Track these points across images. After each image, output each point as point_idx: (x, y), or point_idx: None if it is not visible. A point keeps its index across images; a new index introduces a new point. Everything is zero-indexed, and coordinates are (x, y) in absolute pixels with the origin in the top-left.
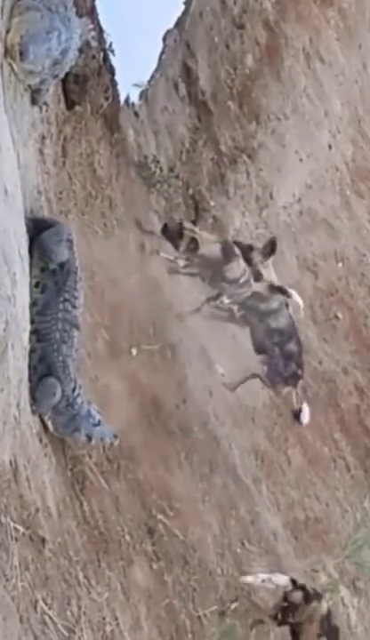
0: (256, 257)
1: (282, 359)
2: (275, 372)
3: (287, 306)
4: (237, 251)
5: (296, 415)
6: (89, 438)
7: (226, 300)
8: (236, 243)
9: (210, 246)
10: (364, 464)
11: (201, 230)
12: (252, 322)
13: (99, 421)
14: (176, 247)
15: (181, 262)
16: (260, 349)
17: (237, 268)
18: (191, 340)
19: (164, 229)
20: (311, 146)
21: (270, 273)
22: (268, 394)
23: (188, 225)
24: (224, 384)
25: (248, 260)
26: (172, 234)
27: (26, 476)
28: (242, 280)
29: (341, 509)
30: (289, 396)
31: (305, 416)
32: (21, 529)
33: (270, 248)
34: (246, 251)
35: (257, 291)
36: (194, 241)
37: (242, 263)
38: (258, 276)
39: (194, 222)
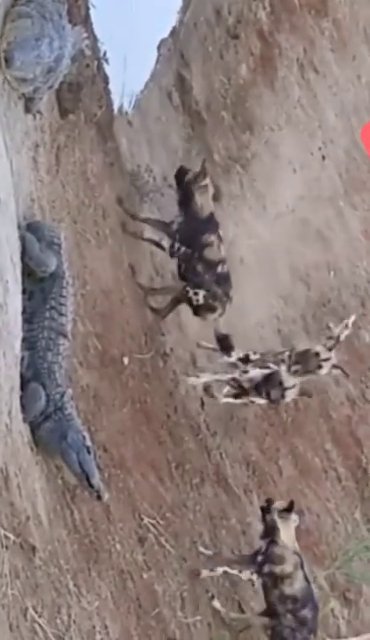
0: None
1: (293, 625)
2: (279, 639)
3: (302, 566)
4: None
5: None
6: (80, 464)
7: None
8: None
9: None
10: (355, 475)
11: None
12: (266, 586)
13: (88, 448)
14: (182, 184)
15: (166, 243)
16: (271, 613)
17: (217, 249)
18: (183, 349)
19: (179, 171)
20: (305, 156)
21: (289, 532)
22: (259, 405)
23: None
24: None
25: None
26: (184, 173)
27: (17, 484)
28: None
29: (333, 520)
30: None
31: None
32: (12, 537)
33: None
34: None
35: (273, 551)
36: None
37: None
38: (273, 533)
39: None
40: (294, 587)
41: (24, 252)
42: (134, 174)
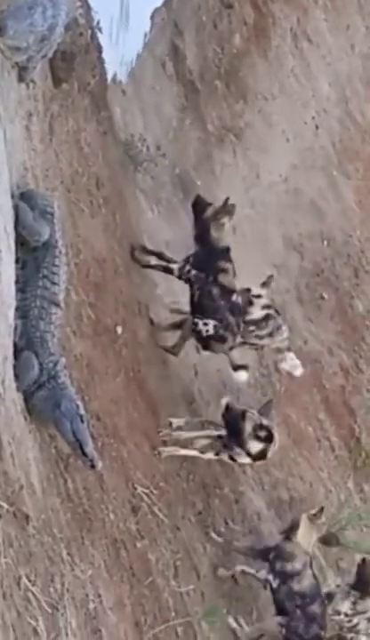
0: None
1: (304, 621)
2: (294, 635)
3: (311, 565)
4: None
5: None
6: (73, 432)
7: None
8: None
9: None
10: (348, 444)
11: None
12: (276, 583)
13: (82, 417)
14: (200, 216)
15: (175, 267)
16: (280, 611)
17: (232, 278)
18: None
19: (196, 201)
20: (298, 126)
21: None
22: (253, 374)
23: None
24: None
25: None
26: (202, 204)
27: (10, 453)
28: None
29: (325, 490)
30: None
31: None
32: (5, 506)
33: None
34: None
35: (282, 547)
36: (223, 212)
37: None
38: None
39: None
40: (303, 584)
41: (17, 222)
42: (128, 143)
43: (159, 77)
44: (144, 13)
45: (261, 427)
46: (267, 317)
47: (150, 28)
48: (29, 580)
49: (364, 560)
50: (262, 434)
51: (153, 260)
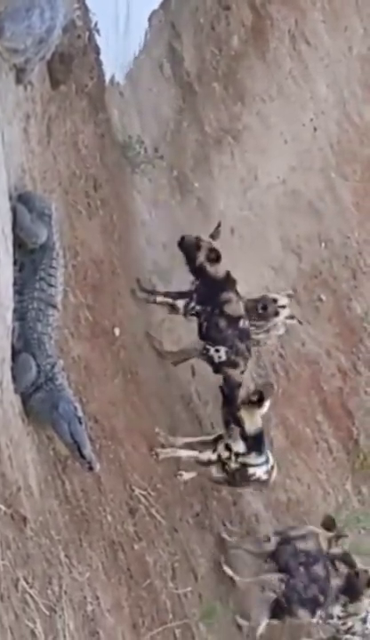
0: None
1: (305, 580)
2: (293, 591)
3: (316, 535)
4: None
5: None
6: (71, 434)
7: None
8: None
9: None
10: (346, 446)
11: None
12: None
13: (80, 419)
14: (193, 260)
15: (180, 304)
16: (284, 568)
17: (237, 305)
18: (172, 320)
19: (181, 242)
20: (296, 128)
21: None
22: (250, 374)
23: (206, 238)
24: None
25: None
26: (190, 246)
27: (8, 455)
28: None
29: (323, 491)
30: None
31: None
32: (3, 508)
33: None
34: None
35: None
36: (214, 251)
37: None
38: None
39: (212, 237)
40: (308, 544)
41: (15, 224)
42: (125, 145)
43: (157, 79)
44: (142, 15)
45: (211, 250)
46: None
47: (148, 30)
48: (27, 583)
49: (357, 572)
50: (213, 255)
51: (158, 298)
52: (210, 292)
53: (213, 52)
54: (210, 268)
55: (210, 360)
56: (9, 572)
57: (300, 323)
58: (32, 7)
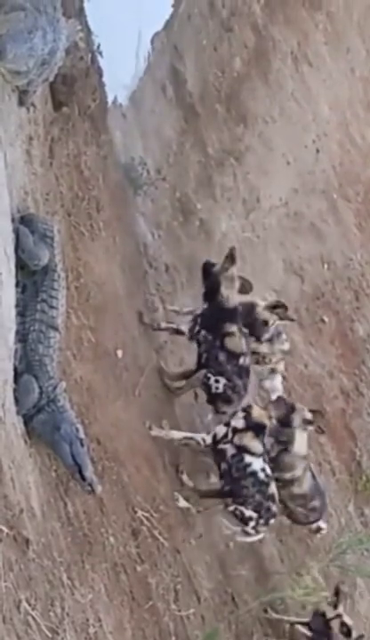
0: (296, 419)
1: (304, 512)
2: (294, 522)
3: (310, 467)
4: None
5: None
6: (72, 456)
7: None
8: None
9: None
10: (349, 468)
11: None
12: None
13: (81, 440)
14: (216, 288)
15: (184, 327)
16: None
17: (239, 340)
18: (177, 343)
19: (207, 268)
20: (298, 149)
21: (303, 441)
22: (252, 397)
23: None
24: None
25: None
26: (215, 275)
27: (10, 477)
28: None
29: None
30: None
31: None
32: (5, 529)
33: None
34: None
35: (283, 459)
36: (248, 282)
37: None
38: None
39: (232, 262)
40: (303, 487)
41: (17, 245)
42: (128, 167)
43: (159, 101)
44: (144, 37)
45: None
46: (268, 322)
47: (151, 52)
48: (29, 604)
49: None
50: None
51: (163, 324)
52: (215, 318)
53: (215, 73)
54: (224, 291)
55: (207, 388)
56: (11, 593)
57: (292, 320)
58: (34, 29)
